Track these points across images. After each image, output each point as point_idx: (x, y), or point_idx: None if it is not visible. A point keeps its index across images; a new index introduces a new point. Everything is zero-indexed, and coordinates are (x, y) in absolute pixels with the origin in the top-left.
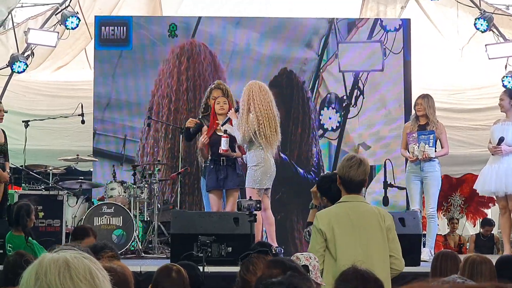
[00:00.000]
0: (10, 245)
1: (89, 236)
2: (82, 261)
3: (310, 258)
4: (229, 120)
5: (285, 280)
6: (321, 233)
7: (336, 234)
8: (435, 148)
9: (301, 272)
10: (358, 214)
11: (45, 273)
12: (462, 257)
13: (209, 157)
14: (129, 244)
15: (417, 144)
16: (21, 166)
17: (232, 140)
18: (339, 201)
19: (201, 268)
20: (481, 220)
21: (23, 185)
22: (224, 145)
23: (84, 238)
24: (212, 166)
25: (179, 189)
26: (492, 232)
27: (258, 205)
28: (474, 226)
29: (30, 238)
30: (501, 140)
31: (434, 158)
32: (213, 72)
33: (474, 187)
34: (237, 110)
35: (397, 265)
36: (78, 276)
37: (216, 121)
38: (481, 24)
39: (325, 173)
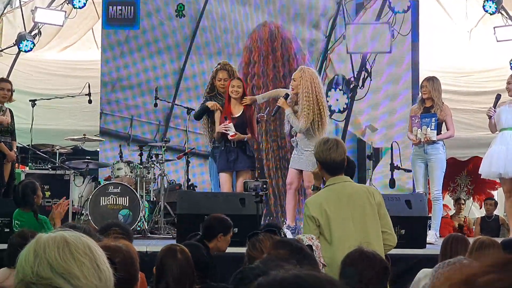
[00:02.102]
0: (18, 222)
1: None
2: (80, 238)
3: (312, 238)
4: (279, 109)
5: (260, 266)
6: (314, 220)
7: (330, 218)
8: (439, 130)
9: (307, 253)
10: (347, 194)
11: (44, 249)
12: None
13: (221, 139)
14: (135, 224)
15: (420, 127)
16: (28, 145)
17: (243, 123)
18: (326, 185)
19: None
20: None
21: (29, 164)
22: (231, 131)
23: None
24: (223, 148)
25: (185, 169)
26: (497, 214)
27: (264, 186)
28: (480, 208)
29: (39, 215)
30: (498, 98)
31: (436, 141)
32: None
33: (479, 172)
34: (285, 98)
35: (391, 240)
36: (78, 251)
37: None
38: (490, 6)
39: None
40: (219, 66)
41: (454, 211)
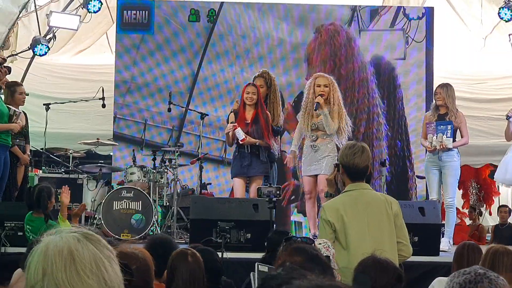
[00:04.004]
0: (29, 227)
1: None
2: (87, 247)
3: (329, 247)
4: (319, 106)
5: (282, 274)
6: (330, 224)
7: (346, 224)
8: (454, 138)
9: (323, 260)
10: (365, 202)
11: (52, 268)
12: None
13: (233, 144)
14: (148, 228)
15: (435, 135)
16: (42, 149)
17: (257, 129)
18: (344, 190)
19: (219, 254)
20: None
21: (43, 168)
22: (240, 135)
23: None
24: (236, 153)
25: (199, 174)
26: (510, 221)
27: (278, 192)
28: (490, 215)
29: (50, 220)
30: None
31: (452, 148)
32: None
33: (494, 178)
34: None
35: (405, 251)
36: (85, 271)
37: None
38: (505, 14)
39: None
40: (258, 73)
41: (471, 220)
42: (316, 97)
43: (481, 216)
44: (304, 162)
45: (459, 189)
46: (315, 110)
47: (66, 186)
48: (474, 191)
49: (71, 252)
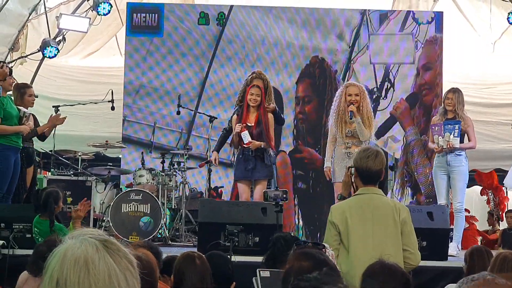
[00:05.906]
0: (37, 229)
1: None
2: (104, 259)
3: (325, 247)
4: (353, 114)
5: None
6: (335, 226)
7: (350, 227)
8: (462, 141)
9: (330, 265)
10: (372, 206)
11: (65, 280)
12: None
13: (239, 147)
14: (156, 231)
15: (442, 135)
16: (50, 151)
17: (261, 132)
18: (355, 193)
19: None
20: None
21: (52, 170)
22: (245, 138)
23: None
24: (241, 156)
25: (207, 177)
26: None
27: (284, 196)
28: (501, 220)
29: (56, 222)
30: None
31: (459, 149)
32: None
33: (504, 182)
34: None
35: (412, 259)
36: (98, 285)
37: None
38: None
39: None
40: (254, 74)
41: (490, 226)
42: (348, 106)
43: (501, 221)
44: (337, 167)
45: (481, 195)
46: (350, 118)
47: (88, 200)
48: (491, 197)
49: (87, 263)
